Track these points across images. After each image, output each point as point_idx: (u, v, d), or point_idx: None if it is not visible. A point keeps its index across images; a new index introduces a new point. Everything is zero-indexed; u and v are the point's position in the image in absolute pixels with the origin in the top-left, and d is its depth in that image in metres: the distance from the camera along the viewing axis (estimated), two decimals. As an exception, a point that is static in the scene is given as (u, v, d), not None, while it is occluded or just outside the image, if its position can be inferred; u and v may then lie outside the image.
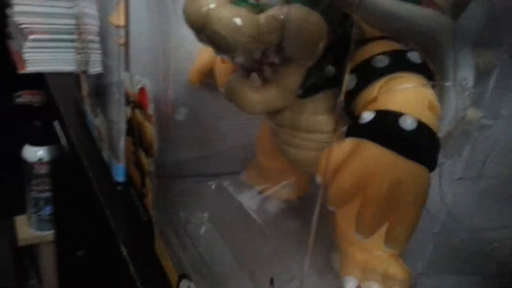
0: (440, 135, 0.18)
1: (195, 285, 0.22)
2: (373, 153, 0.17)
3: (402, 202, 0.18)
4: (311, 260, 0.19)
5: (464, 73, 0.21)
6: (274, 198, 0.31)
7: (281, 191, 0.32)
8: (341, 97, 0.20)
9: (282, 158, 0.28)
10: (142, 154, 0.29)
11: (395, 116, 0.17)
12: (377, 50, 0.20)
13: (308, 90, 0.21)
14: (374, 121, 0.18)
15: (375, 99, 0.19)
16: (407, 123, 0.17)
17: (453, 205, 0.24)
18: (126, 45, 0.30)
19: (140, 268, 0.27)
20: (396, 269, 0.22)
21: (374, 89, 0.19)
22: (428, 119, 0.18)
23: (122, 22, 0.37)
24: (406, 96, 0.18)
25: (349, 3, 0.20)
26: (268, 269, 0.25)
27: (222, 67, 0.29)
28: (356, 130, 0.18)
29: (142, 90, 0.27)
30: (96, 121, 0.41)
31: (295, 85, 0.21)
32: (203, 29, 0.19)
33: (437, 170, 0.19)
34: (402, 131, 0.17)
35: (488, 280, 0.26)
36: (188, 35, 0.21)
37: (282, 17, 0.19)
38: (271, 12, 0.19)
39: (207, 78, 0.31)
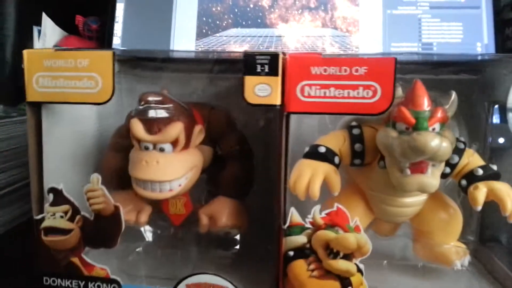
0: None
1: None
2: (496, 184, 0.39)
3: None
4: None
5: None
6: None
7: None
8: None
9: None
10: (337, 262, 0.36)
11: (488, 165, 0.40)
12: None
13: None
14: (485, 171, 0.39)
15: (467, 163, 0.40)
16: (494, 166, 0.40)
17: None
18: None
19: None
20: (461, 244, 0.44)
21: (465, 159, 0.40)
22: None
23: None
24: (478, 157, 0.41)
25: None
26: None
27: (337, 178, 0.40)
28: (479, 178, 0.39)
29: (336, 212, 0.35)
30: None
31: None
32: (428, 150, 0.34)
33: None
34: (495, 170, 0.40)
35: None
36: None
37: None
38: (447, 134, 0.37)
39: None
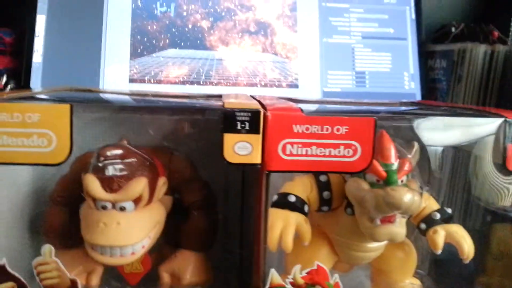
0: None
1: None
2: (453, 227, 0.41)
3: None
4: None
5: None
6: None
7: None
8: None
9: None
10: None
11: (443, 209, 0.42)
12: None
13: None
14: (441, 214, 0.42)
15: (425, 207, 0.42)
16: (449, 210, 0.42)
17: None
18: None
19: None
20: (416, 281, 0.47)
21: (422, 203, 0.42)
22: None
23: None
24: (433, 200, 0.43)
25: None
26: None
27: (308, 227, 0.40)
28: (437, 222, 0.41)
29: (316, 270, 0.35)
30: None
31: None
32: (403, 206, 0.35)
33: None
34: (450, 213, 0.42)
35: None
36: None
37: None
38: (414, 186, 0.38)
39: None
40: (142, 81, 0.68)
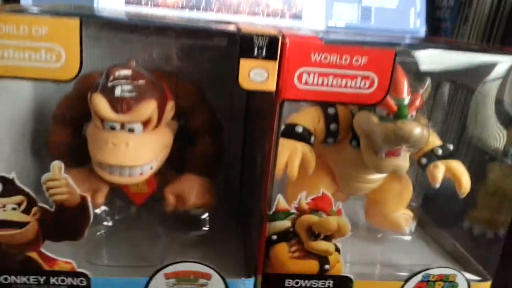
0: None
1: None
2: (453, 163, 0.42)
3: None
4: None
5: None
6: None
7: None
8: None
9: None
10: (318, 243, 0.37)
11: (445, 145, 0.43)
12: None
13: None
14: (443, 151, 0.43)
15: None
16: (450, 146, 0.43)
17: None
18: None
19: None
20: (409, 212, 0.48)
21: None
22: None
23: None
24: (436, 136, 0.44)
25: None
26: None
27: (312, 157, 0.40)
28: (439, 157, 0.42)
29: (321, 197, 0.36)
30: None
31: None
32: (412, 140, 0.36)
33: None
34: (451, 149, 0.43)
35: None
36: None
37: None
38: (423, 121, 0.38)
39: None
40: (138, 3, 0.64)
